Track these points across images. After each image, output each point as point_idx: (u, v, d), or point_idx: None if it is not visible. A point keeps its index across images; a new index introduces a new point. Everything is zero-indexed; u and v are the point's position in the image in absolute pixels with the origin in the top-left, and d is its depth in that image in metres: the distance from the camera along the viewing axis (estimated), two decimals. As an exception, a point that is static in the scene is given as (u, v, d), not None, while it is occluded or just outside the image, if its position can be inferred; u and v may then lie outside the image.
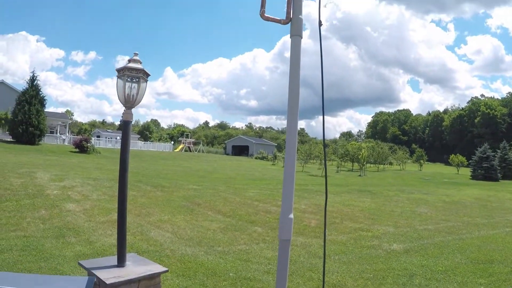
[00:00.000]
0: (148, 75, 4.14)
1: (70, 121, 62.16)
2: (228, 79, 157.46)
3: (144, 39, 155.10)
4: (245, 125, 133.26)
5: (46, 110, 36.64)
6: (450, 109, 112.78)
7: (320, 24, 2.26)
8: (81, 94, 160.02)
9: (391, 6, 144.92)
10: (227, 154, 73.14)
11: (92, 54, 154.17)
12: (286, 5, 2.15)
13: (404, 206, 13.70)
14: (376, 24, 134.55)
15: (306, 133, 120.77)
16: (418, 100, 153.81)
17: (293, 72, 2.12)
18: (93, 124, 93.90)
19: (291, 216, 2.04)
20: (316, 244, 7.42)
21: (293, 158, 2.08)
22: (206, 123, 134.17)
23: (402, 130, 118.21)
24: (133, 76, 4.09)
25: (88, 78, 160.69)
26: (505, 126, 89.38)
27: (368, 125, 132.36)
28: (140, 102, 4.25)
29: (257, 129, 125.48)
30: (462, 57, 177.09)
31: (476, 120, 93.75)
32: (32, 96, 33.40)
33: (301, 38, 2.12)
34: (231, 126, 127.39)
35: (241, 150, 75.51)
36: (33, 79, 34.44)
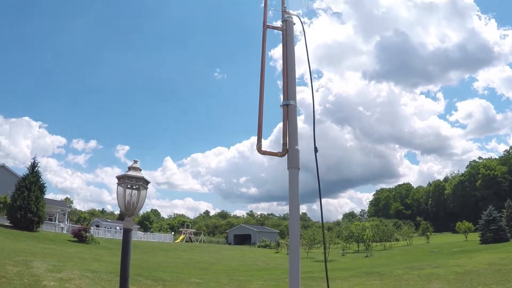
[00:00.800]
0: (148, 182, 4.17)
1: (69, 209, 61.97)
2: (227, 168, 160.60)
3: (144, 130, 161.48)
4: (246, 213, 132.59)
5: (45, 197, 36.62)
6: (450, 177, 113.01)
7: (316, 150, 2.33)
8: (81, 182, 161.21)
9: (380, 84, 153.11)
10: (229, 244, 72.08)
11: (93, 143, 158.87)
12: (282, 138, 2.23)
13: (415, 285, 13.04)
14: (368, 103, 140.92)
15: (309, 218, 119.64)
16: (417, 172, 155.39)
17: (292, 204, 2.12)
18: (92, 213, 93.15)
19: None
20: None
21: (297, 259, 2.00)
22: (207, 212, 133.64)
23: (405, 204, 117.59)
24: (133, 184, 4.12)
25: (88, 166, 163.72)
26: (507, 184, 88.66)
27: (370, 204, 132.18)
28: (140, 209, 4.23)
29: (259, 216, 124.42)
30: (454, 124, 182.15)
31: (477, 183, 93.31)
32: (32, 183, 33.56)
33: (299, 169, 2.16)
34: (232, 215, 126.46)
35: (243, 239, 74.73)
36: (34, 166, 34.89)
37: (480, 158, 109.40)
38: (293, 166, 2.16)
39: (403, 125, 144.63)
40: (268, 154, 2.20)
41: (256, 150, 2.20)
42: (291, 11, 2.91)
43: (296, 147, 2.19)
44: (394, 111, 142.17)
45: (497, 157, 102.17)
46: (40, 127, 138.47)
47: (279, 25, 2.67)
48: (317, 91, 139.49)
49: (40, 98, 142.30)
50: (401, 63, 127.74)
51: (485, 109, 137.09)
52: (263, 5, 2.96)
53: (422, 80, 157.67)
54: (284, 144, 2.21)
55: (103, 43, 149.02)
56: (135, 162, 4.22)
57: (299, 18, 2.88)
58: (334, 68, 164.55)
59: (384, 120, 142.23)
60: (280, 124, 2.29)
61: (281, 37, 2.75)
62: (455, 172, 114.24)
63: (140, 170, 4.17)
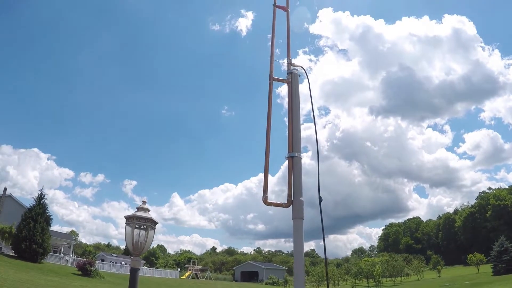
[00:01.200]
0: (156, 223, 4.25)
1: (75, 242, 61.97)
2: (234, 204, 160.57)
3: (152, 165, 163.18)
4: (254, 249, 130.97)
5: (51, 229, 36.74)
6: (460, 209, 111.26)
7: (320, 200, 2.41)
8: (87, 215, 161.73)
9: (387, 119, 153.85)
10: (236, 281, 70.84)
11: (100, 177, 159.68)
12: (287, 189, 2.32)
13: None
14: (376, 138, 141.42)
15: (317, 254, 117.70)
16: (426, 206, 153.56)
17: (297, 253, 2.18)
18: (97, 247, 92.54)
19: None
20: None
21: None
22: (214, 249, 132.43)
23: (415, 238, 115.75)
24: (142, 224, 4.20)
25: (95, 200, 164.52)
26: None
27: (380, 239, 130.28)
28: (148, 249, 4.30)
29: (266, 253, 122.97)
30: (462, 155, 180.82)
31: (487, 214, 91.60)
32: (38, 214, 33.74)
33: (303, 220, 2.24)
34: (239, 252, 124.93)
35: (250, 276, 73.51)
36: (40, 197, 35.18)
37: (489, 188, 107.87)
38: (298, 216, 2.24)
39: (411, 159, 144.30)
40: (273, 206, 2.29)
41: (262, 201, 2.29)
42: (296, 63, 3.08)
43: (300, 198, 2.28)
44: (401, 145, 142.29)
45: (507, 187, 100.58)
46: (48, 159, 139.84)
47: (284, 78, 2.83)
48: (324, 127, 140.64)
49: (49, 131, 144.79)
50: (407, 98, 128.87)
51: (492, 139, 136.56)
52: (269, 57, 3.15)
53: (428, 113, 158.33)
54: (289, 195, 2.30)
55: (113, 79, 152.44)
56: (144, 202, 4.32)
57: (304, 70, 3.04)
58: (341, 104, 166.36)
59: (392, 155, 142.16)
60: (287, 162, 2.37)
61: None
62: (465, 204, 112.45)
63: (149, 210, 4.26)
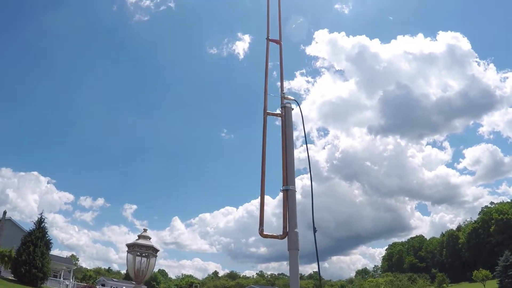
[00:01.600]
0: (157, 250, 4.34)
1: (75, 267, 61.44)
2: (236, 228, 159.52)
3: (152, 189, 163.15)
4: (256, 273, 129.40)
5: (51, 253, 36.58)
6: (463, 225, 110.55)
7: (314, 230, 2.52)
8: (87, 239, 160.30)
9: (386, 138, 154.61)
10: None
11: (100, 201, 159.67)
12: (282, 221, 2.43)
13: None
14: (375, 158, 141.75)
15: (321, 276, 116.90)
16: (429, 223, 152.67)
17: (293, 284, 2.28)
18: (98, 271, 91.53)
19: None
20: None
21: None
22: (216, 273, 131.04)
23: (419, 257, 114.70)
24: (143, 251, 4.29)
25: (96, 224, 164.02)
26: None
27: (383, 259, 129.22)
28: (150, 276, 4.36)
29: (269, 276, 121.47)
30: (463, 171, 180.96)
31: (491, 229, 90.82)
32: (38, 238, 33.62)
33: (298, 251, 2.34)
34: (241, 275, 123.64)
35: None
36: (40, 221, 35.14)
37: (492, 203, 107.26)
38: (293, 248, 2.34)
39: (411, 177, 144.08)
40: (269, 237, 2.40)
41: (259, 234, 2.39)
42: (289, 96, 3.22)
43: (295, 229, 2.39)
44: (401, 164, 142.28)
45: (509, 200, 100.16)
46: (48, 182, 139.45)
47: (278, 112, 2.96)
48: (323, 148, 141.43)
49: (49, 154, 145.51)
50: (406, 116, 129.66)
51: (492, 153, 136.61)
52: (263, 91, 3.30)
53: (427, 130, 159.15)
54: (284, 227, 2.41)
55: (113, 103, 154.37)
56: (145, 230, 4.41)
57: (297, 103, 3.17)
58: (340, 125, 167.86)
59: (392, 174, 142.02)
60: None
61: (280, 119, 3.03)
62: (468, 219, 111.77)
63: (150, 238, 4.35)
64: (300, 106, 3.18)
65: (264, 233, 2.37)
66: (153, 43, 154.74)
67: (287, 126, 2.85)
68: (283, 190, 2.50)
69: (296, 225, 2.41)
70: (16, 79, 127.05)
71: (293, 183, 2.52)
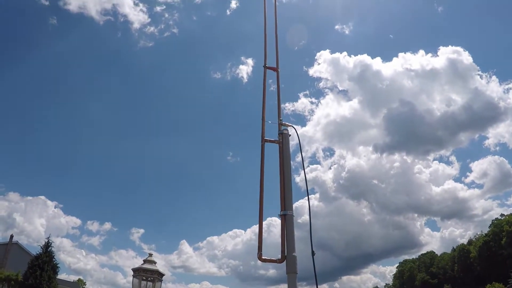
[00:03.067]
0: (162, 274, 4.41)
1: None
2: (244, 250, 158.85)
3: (159, 213, 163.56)
4: None
5: (58, 277, 36.31)
6: (474, 239, 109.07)
7: (313, 254, 2.61)
8: (95, 263, 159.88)
9: (392, 155, 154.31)
10: None
11: (108, 225, 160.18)
12: (280, 245, 2.53)
13: None
14: (382, 175, 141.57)
15: None
16: (439, 239, 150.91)
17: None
18: None
19: None
20: None
21: None
22: None
23: (430, 273, 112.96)
24: (148, 276, 4.37)
25: (103, 248, 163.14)
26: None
27: (394, 277, 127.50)
28: (155, 301, 4.42)
29: None
30: (471, 185, 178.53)
31: (502, 241, 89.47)
32: (45, 262, 33.50)
33: (297, 274, 2.43)
34: None
35: None
36: (47, 245, 35.07)
37: (502, 215, 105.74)
38: (291, 271, 2.43)
39: (419, 193, 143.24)
40: (268, 262, 2.49)
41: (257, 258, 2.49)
42: (287, 123, 3.34)
43: (293, 253, 2.49)
44: (408, 181, 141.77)
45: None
46: (55, 207, 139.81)
47: (275, 139, 3.08)
48: (330, 168, 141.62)
49: (56, 179, 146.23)
50: (410, 132, 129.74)
51: (499, 165, 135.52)
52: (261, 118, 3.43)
53: (433, 146, 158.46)
54: (283, 251, 2.51)
55: (119, 128, 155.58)
56: (150, 255, 4.51)
57: (294, 129, 3.30)
58: (345, 145, 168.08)
59: (399, 191, 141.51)
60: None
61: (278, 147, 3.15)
62: (478, 233, 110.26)
63: (155, 263, 4.44)
64: (298, 132, 3.30)
65: (263, 257, 2.46)
66: (158, 68, 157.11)
67: (284, 153, 2.96)
68: (281, 215, 2.61)
69: (294, 249, 2.50)
70: (23, 105, 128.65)
71: (291, 208, 2.62)
